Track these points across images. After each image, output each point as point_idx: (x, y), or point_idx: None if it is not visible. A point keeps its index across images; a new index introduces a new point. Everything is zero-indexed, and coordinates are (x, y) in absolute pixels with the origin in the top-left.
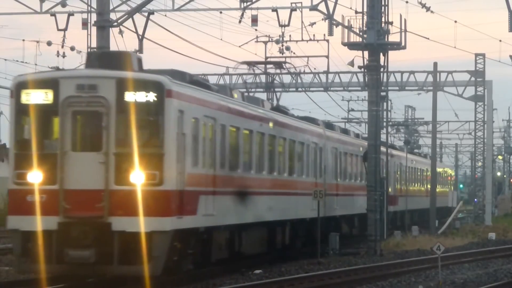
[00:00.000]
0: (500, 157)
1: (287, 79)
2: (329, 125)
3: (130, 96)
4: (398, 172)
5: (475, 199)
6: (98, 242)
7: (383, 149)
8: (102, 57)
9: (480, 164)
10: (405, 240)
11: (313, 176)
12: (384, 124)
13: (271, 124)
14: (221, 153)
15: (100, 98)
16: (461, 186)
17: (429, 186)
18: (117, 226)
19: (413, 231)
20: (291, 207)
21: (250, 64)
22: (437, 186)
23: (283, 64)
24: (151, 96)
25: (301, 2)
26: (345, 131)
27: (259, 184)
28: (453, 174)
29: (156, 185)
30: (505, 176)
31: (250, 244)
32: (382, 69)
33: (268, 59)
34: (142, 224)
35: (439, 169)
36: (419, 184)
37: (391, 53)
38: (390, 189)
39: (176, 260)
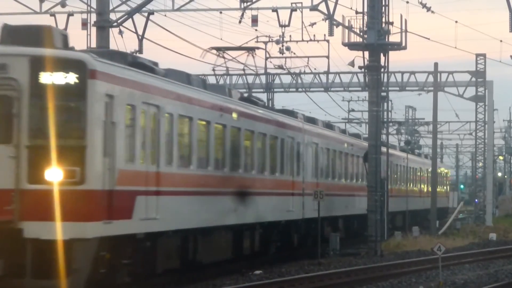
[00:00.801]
0: (501, 157)
1: (287, 79)
2: (310, 119)
3: (47, 78)
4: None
5: (476, 200)
6: (7, 251)
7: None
8: (17, 32)
9: (481, 164)
10: (406, 241)
11: (290, 174)
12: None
13: (234, 115)
14: (168, 147)
15: (10, 80)
16: (461, 186)
17: (423, 186)
18: (29, 232)
19: (414, 232)
20: (261, 209)
21: (220, 50)
22: (440, 187)
23: (255, 50)
24: (71, 78)
25: (302, 2)
26: (328, 126)
27: (219, 183)
28: (449, 174)
29: (77, 184)
30: (506, 176)
31: (208, 251)
32: (382, 70)
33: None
34: (59, 230)
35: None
36: (411, 183)
37: (391, 53)
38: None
39: (104, 272)
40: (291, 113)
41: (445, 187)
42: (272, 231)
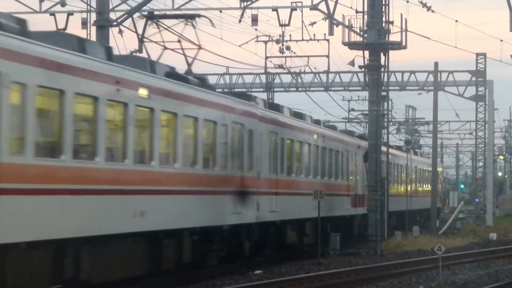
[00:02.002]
0: (501, 157)
1: (287, 79)
2: (273, 106)
3: None
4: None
5: (476, 199)
6: None
7: (347, 138)
8: None
9: (481, 164)
10: (406, 241)
11: (238, 169)
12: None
13: (143, 92)
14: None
15: None
16: (462, 186)
17: (410, 185)
18: None
19: (414, 232)
20: (193, 211)
21: (153, 18)
22: (419, 185)
23: (196, 18)
24: None
25: (302, 2)
26: (298, 115)
27: (116, 178)
28: (440, 171)
29: None
30: (506, 176)
31: (102, 266)
32: (382, 69)
33: (269, 59)
34: None
35: (422, 166)
36: (396, 182)
37: (391, 53)
38: (357, 187)
39: None
40: (246, 97)
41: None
42: (212, 238)
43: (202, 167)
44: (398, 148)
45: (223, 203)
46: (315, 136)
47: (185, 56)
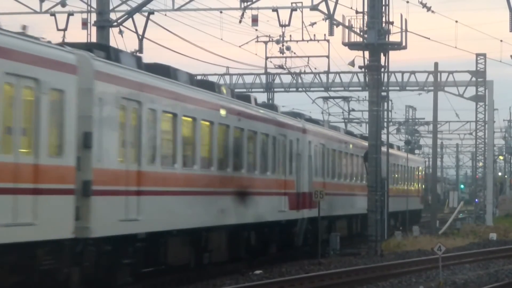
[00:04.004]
0: (501, 157)
1: (287, 79)
2: (204, 83)
3: None
4: (322, 159)
5: (476, 200)
6: None
7: (309, 127)
8: None
9: (481, 164)
10: (406, 241)
11: (160, 163)
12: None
13: (223, 112)
14: None
15: None
16: (462, 186)
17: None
18: None
19: (414, 231)
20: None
21: None
22: (399, 184)
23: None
24: None
25: (302, 2)
26: (245, 98)
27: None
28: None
29: None
30: (506, 176)
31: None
32: (382, 69)
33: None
34: None
35: (403, 163)
36: (355, 177)
37: (391, 53)
38: (301, 184)
39: None
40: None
41: (416, 185)
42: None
43: (106, 160)
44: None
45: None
46: (222, 112)
47: (274, 92)
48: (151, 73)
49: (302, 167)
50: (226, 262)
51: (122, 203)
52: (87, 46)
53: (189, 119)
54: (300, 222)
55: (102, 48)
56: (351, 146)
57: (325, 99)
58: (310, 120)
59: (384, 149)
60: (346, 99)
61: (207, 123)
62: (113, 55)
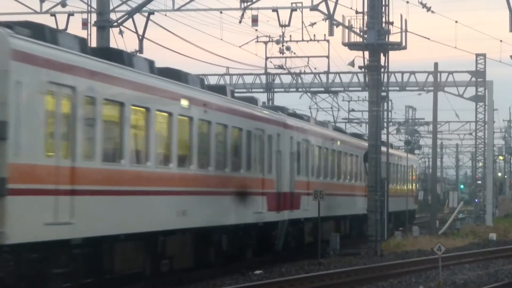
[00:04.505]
0: (500, 157)
1: (287, 79)
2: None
3: None
4: (306, 156)
5: (476, 200)
6: None
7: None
8: None
9: (481, 164)
10: (406, 241)
11: (100, 158)
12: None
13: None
14: None
15: None
16: (462, 186)
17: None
18: None
19: (414, 232)
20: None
21: None
22: (399, 184)
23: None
24: None
25: (302, 2)
26: (220, 89)
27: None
28: (415, 168)
29: None
30: (506, 176)
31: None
32: (382, 69)
33: (269, 60)
34: None
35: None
36: (343, 176)
37: (391, 53)
38: (282, 183)
39: None
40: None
41: (406, 184)
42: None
43: None
44: (358, 136)
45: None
46: (183, 102)
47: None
48: (98, 58)
49: (284, 165)
50: (191, 269)
51: (50, 204)
52: (9, 23)
53: (141, 109)
54: (280, 225)
55: (32, 27)
56: (339, 143)
57: (313, 93)
58: (294, 114)
59: (290, 120)
60: (334, 94)
61: (165, 114)
62: (49, 36)
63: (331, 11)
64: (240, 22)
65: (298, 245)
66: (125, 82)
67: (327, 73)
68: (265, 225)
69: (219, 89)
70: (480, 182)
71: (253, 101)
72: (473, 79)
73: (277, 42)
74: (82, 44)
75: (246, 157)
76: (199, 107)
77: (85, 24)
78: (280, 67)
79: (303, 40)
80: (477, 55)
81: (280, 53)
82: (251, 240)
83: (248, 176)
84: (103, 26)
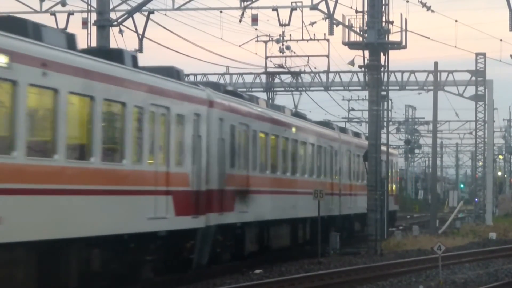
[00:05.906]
0: (500, 156)
1: (287, 78)
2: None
3: None
4: (245, 144)
5: (476, 199)
6: None
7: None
8: None
9: (480, 163)
10: (406, 240)
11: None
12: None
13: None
14: None
15: None
16: (461, 186)
17: (335, 177)
18: None
19: (414, 231)
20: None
21: None
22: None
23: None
24: None
25: (302, 2)
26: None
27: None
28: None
29: None
30: (506, 175)
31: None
32: (382, 69)
33: (269, 59)
34: None
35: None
36: (303, 172)
37: (391, 53)
38: (199, 179)
39: None
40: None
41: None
42: None
43: None
44: (325, 124)
45: None
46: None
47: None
48: None
49: (209, 155)
50: None
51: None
52: None
53: None
54: (200, 233)
55: (15, 21)
56: (294, 130)
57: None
58: (228, 91)
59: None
60: (297, 74)
61: None
62: (32, 31)
63: (331, 10)
64: (240, 21)
65: (235, 257)
66: None
67: (327, 72)
68: (170, 234)
69: (116, 53)
70: (480, 181)
71: (173, 74)
72: (473, 78)
73: (277, 41)
74: (70, 41)
75: (132, 143)
76: (37, 68)
77: (85, 23)
78: (280, 66)
79: (303, 39)
80: (477, 54)
81: (280, 52)
82: (150, 255)
83: (133, 169)
84: (103, 25)
